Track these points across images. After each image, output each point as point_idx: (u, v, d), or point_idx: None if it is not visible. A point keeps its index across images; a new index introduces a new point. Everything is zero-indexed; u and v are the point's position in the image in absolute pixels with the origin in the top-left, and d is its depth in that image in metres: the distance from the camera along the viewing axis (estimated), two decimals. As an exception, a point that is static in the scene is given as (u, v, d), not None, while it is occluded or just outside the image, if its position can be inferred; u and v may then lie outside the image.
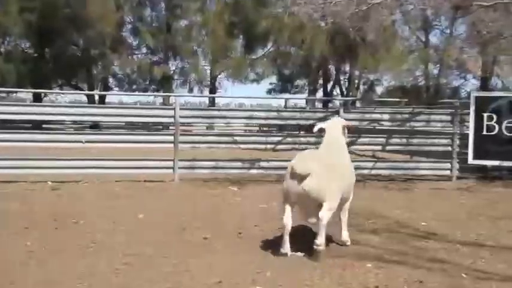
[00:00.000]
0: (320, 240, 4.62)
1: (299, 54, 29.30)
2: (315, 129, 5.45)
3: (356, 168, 5.96)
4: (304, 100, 26.15)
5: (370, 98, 31.58)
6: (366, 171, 10.13)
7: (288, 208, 4.72)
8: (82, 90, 31.76)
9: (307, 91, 33.41)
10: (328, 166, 4.74)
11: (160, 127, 21.76)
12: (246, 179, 9.88)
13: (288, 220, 4.70)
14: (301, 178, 4.59)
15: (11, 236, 5.25)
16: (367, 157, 12.90)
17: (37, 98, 29.45)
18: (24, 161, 9.36)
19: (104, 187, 8.68)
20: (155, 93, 33.03)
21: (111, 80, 33.44)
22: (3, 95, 31.42)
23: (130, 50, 32.37)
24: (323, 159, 4.84)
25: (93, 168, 9.41)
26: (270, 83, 35.38)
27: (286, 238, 4.72)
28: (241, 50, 31.54)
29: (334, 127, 5.42)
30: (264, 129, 20.19)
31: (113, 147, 9.76)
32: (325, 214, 4.59)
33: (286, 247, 4.73)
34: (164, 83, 31.21)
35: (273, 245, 5.02)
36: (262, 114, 10.45)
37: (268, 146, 10.52)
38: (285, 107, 19.84)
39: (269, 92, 35.41)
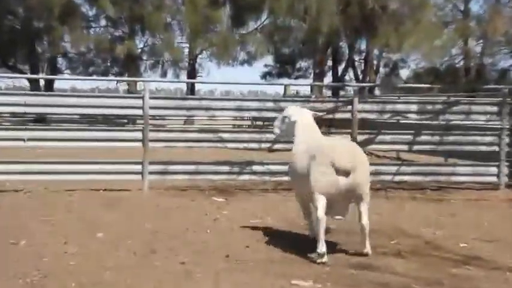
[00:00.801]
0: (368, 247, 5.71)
1: (302, 27, 29.34)
2: (293, 118, 6.32)
3: (375, 173, 6.04)
4: (309, 87, 26.24)
5: (392, 84, 31.71)
6: (387, 178, 10.16)
7: (324, 201, 5.52)
8: (23, 73, 31.68)
9: (312, 75, 33.51)
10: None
11: (125, 121, 21.77)
12: (235, 187, 9.87)
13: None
14: (348, 171, 5.50)
15: None
16: (389, 159, 12.93)
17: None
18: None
19: (53, 198, 8.64)
20: (118, 78, 32.94)
21: (60, 60, 33.42)
22: None
23: (86, 22, 32.28)
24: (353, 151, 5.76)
25: (38, 173, 9.40)
26: (265, 65, 35.53)
27: (323, 236, 5.46)
28: (228, 23, 31.52)
29: (307, 117, 6.34)
30: (258, 123, 20.24)
31: (64, 147, 9.70)
32: (367, 211, 5.67)
33: (323, 246, 5.45)
34: (129, 65, 31.20)
35: (269, 272, 5.01)
36: (255, 104, 10.46)
37: (263, 145, 10.55)
38: (284, 95, 19.90)
39: (264, 76, 35.55)
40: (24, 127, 10.57)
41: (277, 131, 6.69)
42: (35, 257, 5.45)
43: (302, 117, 6.39)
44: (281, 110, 10.44)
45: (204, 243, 6.14)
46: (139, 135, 9.73)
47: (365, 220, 5.64)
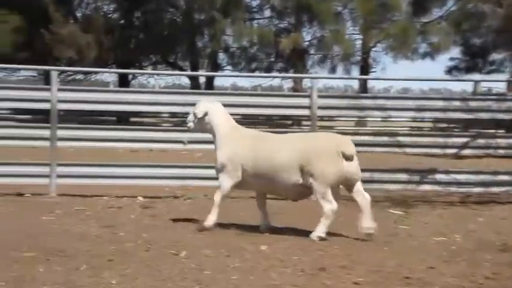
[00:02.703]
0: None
1: (496, 14, 28.17)
2: (200, 113, 7.43)
3: None
4: (505, 83, 25.15)
5: None
6: None
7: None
8: (183, 70, 32.96)
9: (508, 70, 32.08)
10: None
11: (289, 122, 22.08)
12: (415, 198, 9.72)
13: None
14: (351, 158, 6.90)
15: (90, 270, 5.58)
16: None
17: (123, 81, 31.21)
18: (105, 168, 10.00)
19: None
20: (282, 75, 33.55)
21: (221, 56, 34.33)
22: (79, 76, 33.69)
23: (249, 14, 32.99)
24: None
25: (198, 178, 9.80)
26: (451, 58, 34.42)
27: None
28: (407, 11, 31.00)
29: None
30: (442, 126, 19.75)
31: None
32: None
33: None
34: (295, 60, 31.55)
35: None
36: (440, 103, 10.24)
37: (448, 151, 10.27)
38: (474, 93, 19.18)
39: (449, 71, 34.50)
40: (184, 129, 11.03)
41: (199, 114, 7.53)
42: (195, 270, 5.65)
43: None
44: (470, 110, 10.26)
45: (380, 261, 6.07)
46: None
47: (367, 195, 7.06)
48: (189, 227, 7.43)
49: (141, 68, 31.65)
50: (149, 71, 33.84)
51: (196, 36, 31.86)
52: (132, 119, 25.09)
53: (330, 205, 6.85)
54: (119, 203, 9.16)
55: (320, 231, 6.92)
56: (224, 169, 7.31)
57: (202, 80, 32.15)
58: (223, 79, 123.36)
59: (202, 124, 7.52)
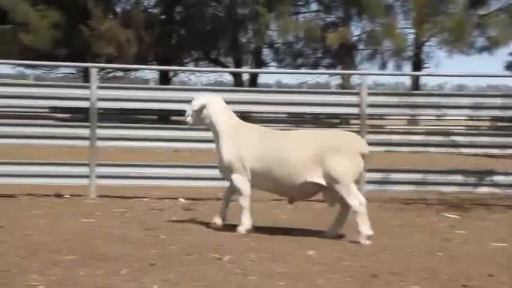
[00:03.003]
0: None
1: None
2: (196, 106, 7.49)
3: None
4: None
5: None
6: None
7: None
8: (225, 66, 33.10)
9: None
10: None
11: (337, 121, 22.03)
12: (471, 201, 9.64)
13: None
14: (364, 158, 7.12)
15: (131, 274, 5.63)
16: None
17: (164, 79, 31.45)
18: (146, 169, 10.09)
19: (260, 208, 9.00)
20: (330, 71, 33.46)
21: (266, 51, 34.40)
22: (119, 73, 34.08)
23: (294, 7, 32.96)
24: None
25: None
26: (511, 53, 33.95)
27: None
28: (463, 2, 30.65)
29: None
30: (501, 125, 19.51)
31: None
32: None
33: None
34: (343, 56, 31.45)
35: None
36: (497, 101, 10.13)
37: (508, 151, 10.14)
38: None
39: (508, 66, 34.02)
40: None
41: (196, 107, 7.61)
42: (240, 275, 5.66)
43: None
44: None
45: (434, 268, 6.02)
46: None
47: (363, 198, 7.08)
48: (232, 230, 7.44)
49: (182, 65, 31.86)
50: (190, 67, 33.94)
51: (240, 32, 31.89)
52: (174, 118, 25.31)
53: (357, 200, 6.97)
54: (160, 205, 9.25)
55: (364, 230, 6.97)
56: (232, 168, 7.34)
57: (245, 77, 32.16)
58: (268, 76, 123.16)
59: (200, 118, 7.59)
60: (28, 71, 34.76)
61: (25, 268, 5.59)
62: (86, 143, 9.80)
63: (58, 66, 31.94)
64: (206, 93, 8.12)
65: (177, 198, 9.59)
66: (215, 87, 13.22)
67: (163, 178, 9.98)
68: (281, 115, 19.50)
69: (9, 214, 8.24)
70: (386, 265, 6.09)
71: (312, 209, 8.83)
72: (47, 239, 6.80)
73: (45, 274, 5.44)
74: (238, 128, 7.50)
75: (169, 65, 27.99)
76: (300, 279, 5.57)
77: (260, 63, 33.59)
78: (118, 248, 6.49)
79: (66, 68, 33.59)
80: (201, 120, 7.61)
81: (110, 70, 32.34)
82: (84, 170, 9.83)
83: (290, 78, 56.37)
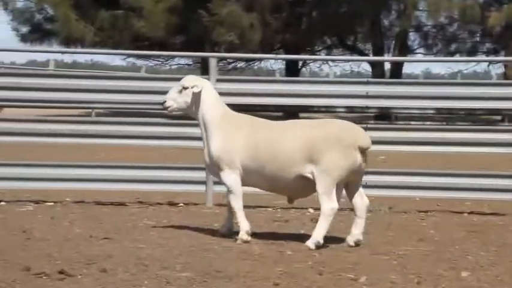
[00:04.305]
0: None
1: None
2: (196, 89, 7.43)
3: None
4: None
5: None
6: None
7: None
8: (363, 54, 32.91)
9: None
10: None
11: (499, 117, 21.59)
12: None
13: None
14: (365, 153, 7.25)
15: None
16: None
17: (292, 69, 31.55)
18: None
19: (397, 220, 8.95)
20: (490, 58, 32.73)
21: (412, 36, 33.94)
22: (241, 64, 34.37)
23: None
24: None
25: (381, 187, 9.90)
26: None
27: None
28: None
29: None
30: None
31: (413, 152, 9.98)
32: None
33: None
34: (508, 40, 30.62)
35: None
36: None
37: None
38: None
39: None
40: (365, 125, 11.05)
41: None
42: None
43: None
44: None
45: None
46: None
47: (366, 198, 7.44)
48: (369, 245, 7.44)
49: (313, 53, 31.91)
50: (323, 56, 33.94)
51: (382, 13, 31.61)
52: (302, 115, 25.35)
53: (331, 204, 7.06)
54: (286, 216, 9.35)
55: (318, 236, 7.15)
56: (220, 164, 7.44)
57: (387, 66, 31.91)
58: (414, 65, 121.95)
59: (186, 103, 7.58)
60: (139, 62, 35.68)
61: (135, 286, 5.76)
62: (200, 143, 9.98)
63: (174, 57, 32.67)
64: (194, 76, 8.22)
65: (306, 208, 9.63)
66: (351, 80, 13.20)
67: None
68: (428, 111, 19.17)
69: (118, 224, 8.54)
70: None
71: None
72: (159, 253, 6.98)
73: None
74: (228, 119, 7.58)
75: (298, 53, 28.10)
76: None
77: (405, 50, 33.11)
78: (238, 264, 6.60)
79: (181, 59, 34.32)
80: (187, 107, 7.63)
81: (231, 60, 32.78)
82: (200, 175, 9.96)
83: (441, 67, 55.14)
